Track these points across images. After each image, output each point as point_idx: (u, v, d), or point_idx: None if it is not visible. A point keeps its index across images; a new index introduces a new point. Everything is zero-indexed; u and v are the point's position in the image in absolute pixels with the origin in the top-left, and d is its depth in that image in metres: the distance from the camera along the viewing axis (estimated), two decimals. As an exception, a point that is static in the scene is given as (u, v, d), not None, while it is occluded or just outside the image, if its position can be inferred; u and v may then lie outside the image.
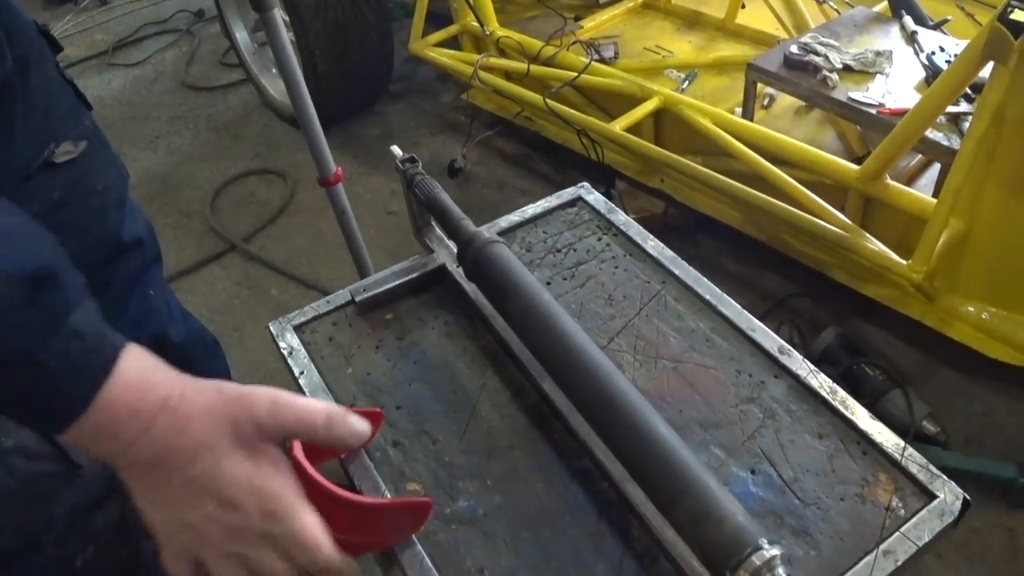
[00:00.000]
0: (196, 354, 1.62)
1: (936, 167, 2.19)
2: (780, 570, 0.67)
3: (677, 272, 1.14)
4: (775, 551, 0.68)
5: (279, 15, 1.69)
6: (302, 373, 1.05)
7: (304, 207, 3.09)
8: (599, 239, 1.21)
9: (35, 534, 1.14)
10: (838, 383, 1.00)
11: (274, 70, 3.54)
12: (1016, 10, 1.54)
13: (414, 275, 1.15)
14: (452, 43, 3.17)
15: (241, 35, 3.54)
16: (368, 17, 3.17)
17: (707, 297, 1.10)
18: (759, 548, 0.68)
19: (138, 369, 0.69)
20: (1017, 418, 2.09)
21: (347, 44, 3.14)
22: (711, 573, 0.72)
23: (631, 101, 2.52)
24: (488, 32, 2.94)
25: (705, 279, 1.13)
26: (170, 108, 3.82)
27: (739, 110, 2.42)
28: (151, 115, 3.79)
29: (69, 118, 1.27)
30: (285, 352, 1.08)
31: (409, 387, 1.03)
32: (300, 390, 1.04)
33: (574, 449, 0.93)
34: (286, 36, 1.71)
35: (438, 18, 3.24)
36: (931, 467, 0.91)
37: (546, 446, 0.95)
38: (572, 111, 2.61)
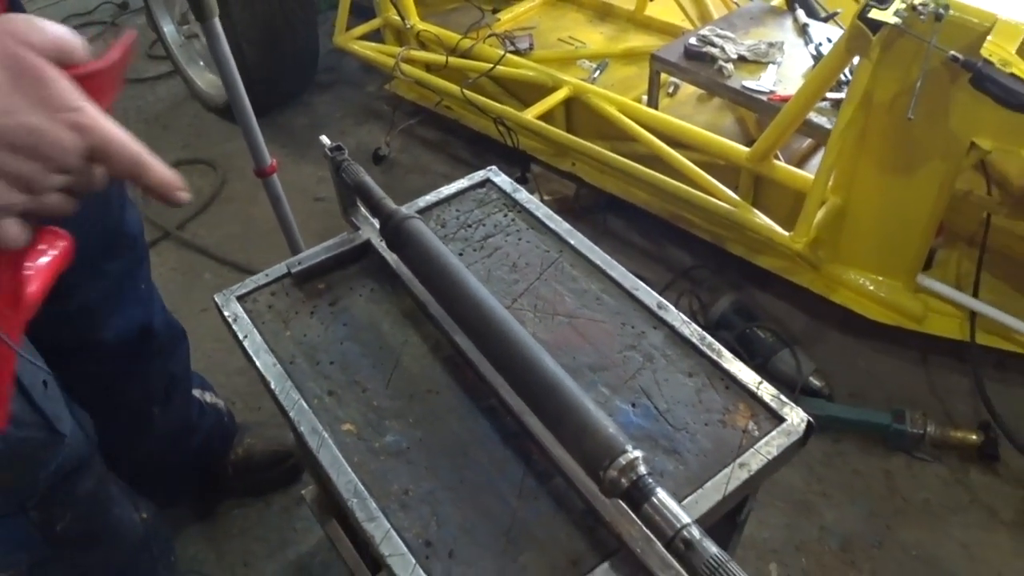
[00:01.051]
0: (173, 342, 1.75)
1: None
2: (641, 468, 0.85)
3: (573, 242, 1.31)
4: (638, 453, 0.85)
5: (219, 24, 1.77)
6: (246, 336, 1.19)
7: (235, 195, 3.19)
8: (505, 215, 1.38)
9: (22, 498, 1.26)
10: (733, 345, 1.18)
11: (202, 63, 3.61)
12: (874, 9, 1.73)
13: (343, 249, 1.30)
14: (375, 35, 3.29)
15: (168, 28, 3.59)
16: (294, 9, 3.26)
17: (598, 262, 1.27)
18: (625, 451, 0.85)
19: None
20: (893, 372, 2.31)
21: (274, 36, 3.23)
22: (590, 475, 0.89)
23: (543, 90, 2.68)
24: (409, 25, 3.07)
25: (597, 247, 1.30)
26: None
27: (646, 97, 2.60)
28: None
29: None
30: (230, 319, 1.22)
31: (341, 345, 1.18)
32: (245, 352, 1.18)
33: (483, 391, 1.10)
34: (226, 44, 1.80)
35: (361, 9, 3.35)
36: (782, 396, 1.09)
37: (459, 389, 1.11)
38: (488, 100, 2.76)
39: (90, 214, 1.40)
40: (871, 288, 2.20)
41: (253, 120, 1.90)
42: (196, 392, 1.88)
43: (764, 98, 2.29)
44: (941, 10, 1.66)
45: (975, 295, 2.10)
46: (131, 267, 1.58)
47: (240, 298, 1.26)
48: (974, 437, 2.06)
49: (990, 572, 1.89)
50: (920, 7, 1.68)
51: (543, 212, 1.36)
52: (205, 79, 3.60)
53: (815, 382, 2.21)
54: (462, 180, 1.44)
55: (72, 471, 1.31)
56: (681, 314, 1.19)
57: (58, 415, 1.24)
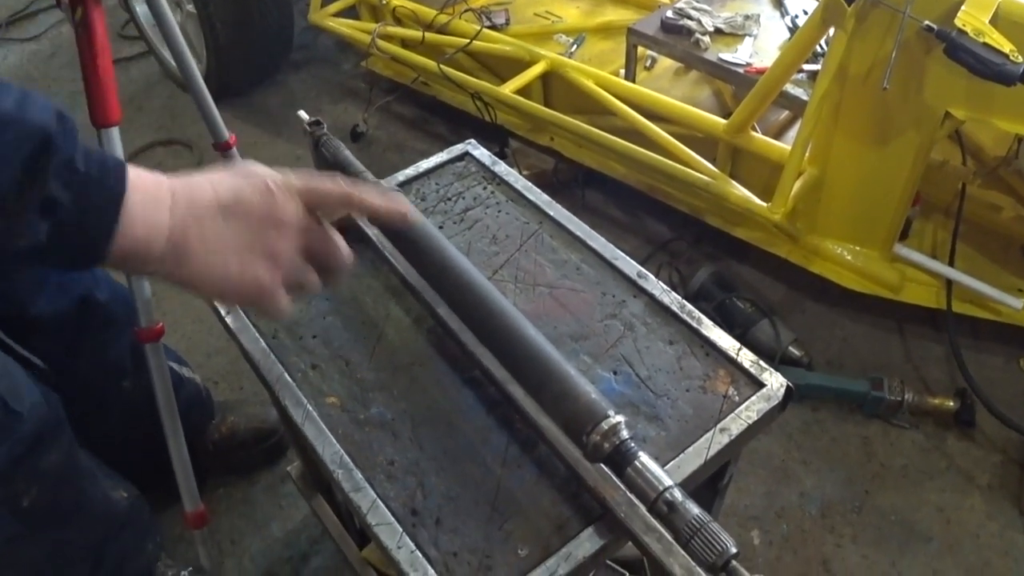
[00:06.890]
0: (123, 313, 1.73)
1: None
2: (624, 432, 0.86)
3: (552, 213, 1.32)
4: (619, 418, 0.86)
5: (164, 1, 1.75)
6: (228, 313, 1.19)
7: (211, 175, 3.17)
8: (484, 188, 1.38)
9: None
10: (712, 315, 1.19)
11: (176, 42, 3.57)
12: (848, -21, 1.74)
13: (323, 224, 1.30)
14: (350, 12, 3.27)
15: (141, 8, 3.52)
16: (267, -13, 3.23)
17: (577, 233, 1.28)
18: (607, 416, 0.86)
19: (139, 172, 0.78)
20: (870, 341, 2.34)
21: (247, 15, 3.19)
22: (573, 440, 0.90)
23: (520, 65, 2.67)
24: (384, 1, 3.05)
25: (576, 218, 1.31)
26: (70, 83, 3.81)
27: (624, 71, 2.61)
28: (51, 90, 3.77)
29: None
30: (211, 296, 1.22)
31: (324, 320, 1.19)
32: (228, 329, 1.18)
33: (465, 362, 1.11)
34: (173, 18, 1.77)
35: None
36: (761, 362, 1.11)
37: (442, 361, 1.12)
38: (465, 76, 2.75)
39: None
40: (848, 258, 2.22)
41: (207, 94, 1.86)
42: (173, 365, 1.85)
43: (741, 70, 2.30)
44: (915, -21, 1.67)
45: (951, 264, 2.12)
46: None
47: (221, 275, 1.25)
48: (951, 404, 2.08)
49: (966, 535, 1.92)
50: (894, -23, 1.69)
51: (522, 184, 1.37)
52: (180, 59, 3.56)
53: (794, 351, 2.24)
54: (441, 154, 1.45)
55: (34, 444, 1.30)
56: (661, 283, 1.20)
57: (12, 391, 1.23)
